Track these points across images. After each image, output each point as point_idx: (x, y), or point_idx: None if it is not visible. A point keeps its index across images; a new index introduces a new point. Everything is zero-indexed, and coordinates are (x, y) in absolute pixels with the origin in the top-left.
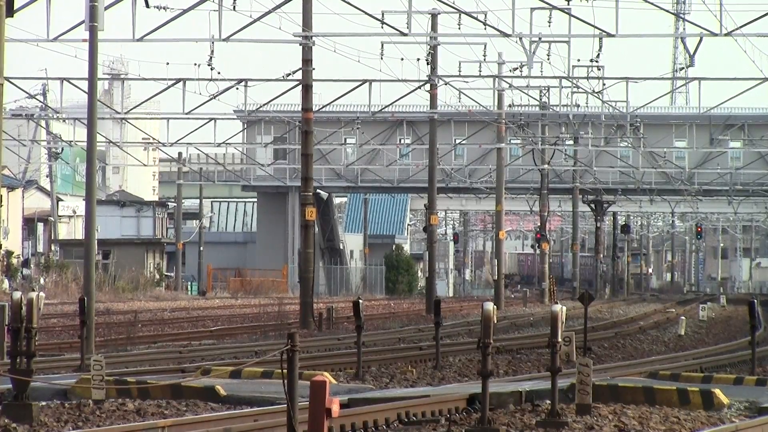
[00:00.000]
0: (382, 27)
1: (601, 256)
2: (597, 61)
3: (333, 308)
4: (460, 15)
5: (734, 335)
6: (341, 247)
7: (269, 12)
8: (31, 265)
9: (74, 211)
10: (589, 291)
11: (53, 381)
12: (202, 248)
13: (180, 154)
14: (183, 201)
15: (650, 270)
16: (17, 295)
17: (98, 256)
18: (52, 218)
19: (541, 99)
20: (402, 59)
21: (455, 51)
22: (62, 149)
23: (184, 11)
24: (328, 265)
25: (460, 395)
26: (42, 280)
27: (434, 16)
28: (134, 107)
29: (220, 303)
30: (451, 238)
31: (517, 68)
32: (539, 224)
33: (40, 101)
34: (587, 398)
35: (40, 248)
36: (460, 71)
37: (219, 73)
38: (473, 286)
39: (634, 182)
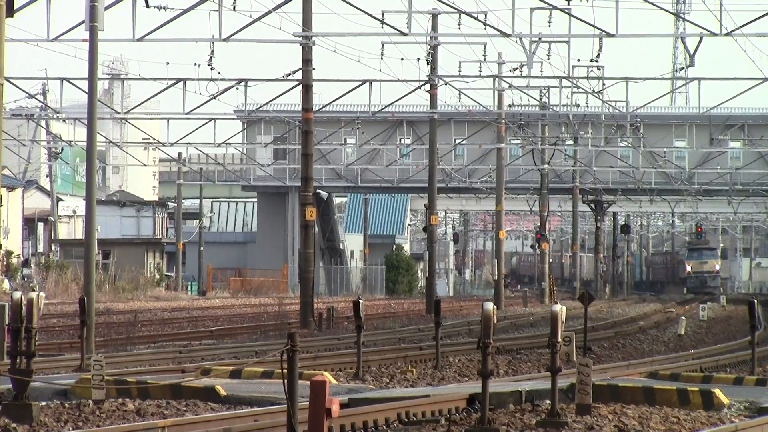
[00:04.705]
0: (382, 27)
1: (601, 255)
2: (597, 61)
3: (333, 308)
4: (460, 15)
5: (734, 335)
6: (341, 247)
7: (269, 12)
8: (32, 265)
9: (74, 211)
10: (589, 291)
11: (53, 381)
12: (202, 248)
13: (180, 154)
14: (183, 201)
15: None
16: (17, 295)
17: (98, 256)
18: (52, 218)
19: (541, 99)
20: (402, 59)
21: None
22: (62, 149)
23: (184, 11)
24: (328, 265)
25: (460, 395)
26: (34, 280)
27: (434, 16)
28: (134, 107)
29: (220, 303)
30: (451, 238)
31: (517, 68)
32: (539, 224)
33: (40, 101)
34: (587, 398)
35: (40, 248)
36: (460, 71)
37: (219, 73)
38: (473, 286)
39: (634, 182)
